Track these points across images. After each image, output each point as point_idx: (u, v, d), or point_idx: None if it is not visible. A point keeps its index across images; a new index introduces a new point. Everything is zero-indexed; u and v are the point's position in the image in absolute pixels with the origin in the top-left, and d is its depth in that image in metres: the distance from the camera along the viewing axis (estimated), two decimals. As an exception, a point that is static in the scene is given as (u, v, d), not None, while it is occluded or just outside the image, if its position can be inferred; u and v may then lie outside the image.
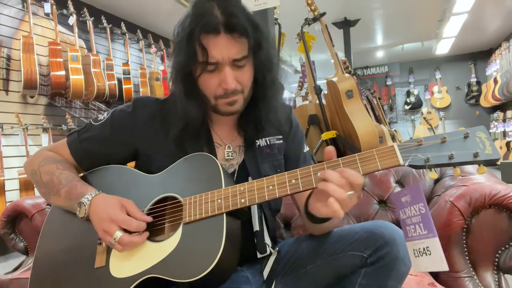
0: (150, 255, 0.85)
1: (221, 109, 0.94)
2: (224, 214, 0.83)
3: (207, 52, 0.86)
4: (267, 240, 0.95)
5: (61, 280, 0.92)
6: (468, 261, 1.17)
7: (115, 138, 1.00)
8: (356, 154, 0.79)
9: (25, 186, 3.42)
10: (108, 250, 0.90)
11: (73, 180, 0.94)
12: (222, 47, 0.87)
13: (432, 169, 0.77)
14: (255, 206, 0.94)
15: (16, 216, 1.56)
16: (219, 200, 0.84)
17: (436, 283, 1.13)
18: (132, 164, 1.06)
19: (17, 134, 3.55)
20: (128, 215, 0.86)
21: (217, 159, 0.94)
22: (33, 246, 1.56)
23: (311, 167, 0.81)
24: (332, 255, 0.91)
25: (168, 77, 1.00)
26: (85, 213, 0.89)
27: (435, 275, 1.22)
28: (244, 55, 0.90)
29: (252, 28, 0.89)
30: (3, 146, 3.35)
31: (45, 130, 3.76)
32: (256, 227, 0.94)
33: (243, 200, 0.82)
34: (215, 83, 0.90)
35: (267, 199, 0.83)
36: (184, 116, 0.94)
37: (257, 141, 1.03)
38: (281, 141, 1.07)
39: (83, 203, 0.89)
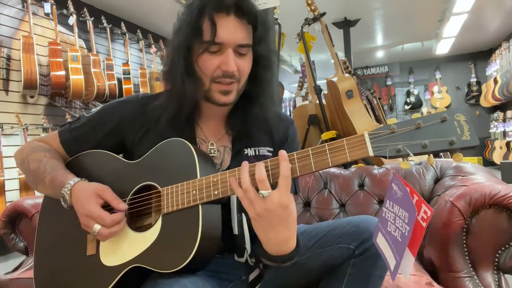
0: (135, 244, 0.88)
1: (214, 96, 0.93)
2: (200, 205, 0.84)
3: (215, 31, 0.86)
4: (247, 246, 0.94)
5: (59, 267, 0.97)
6: (468, 261, 1.17)
7: (103, 127, 1.01)
8: (326, 143, 0.77)
9: (25, 186, 3.42)
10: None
11: (56, 168, 0.96)
12: (230, 29, 0.88)
13: (404, 158, 0.73)
14: (235, 209, 0.94)
15: (16, 216, 1.56)
16: (194, 191, 0.85)
17: (434, 283, 1.13)
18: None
19: (17, 134, 3.56)
20: (105, 203, 0.89)
21: None
22: (33, 246, 1.56)
23: (278, 158, 0.78)
24: (321, 248, 0.95)
25: (162, 67, 0.99)
26: (67, 204, 0.91)
27: (434, 275, 1.22)
28: (248, 42, 0.91)
29: (260, 18, 0.91)
30: (3, 146, 3.36)
31: (45, 130, 3.76)
32: (235, 230, 0.94)
33: (216, 192, 0.83)
34: (215, 64, 0.90)
35: None
36: (178, 98, 0.93)
37: (245, 149, 1.01)
38: (271, 154, 1.03)
39: (63, 194, 0.91)
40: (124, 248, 0.89)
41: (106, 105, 1.05)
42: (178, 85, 0.92)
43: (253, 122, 0.99)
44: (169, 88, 0.97)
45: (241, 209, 0.93)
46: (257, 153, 1.01)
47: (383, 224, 0.79)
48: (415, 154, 0.71)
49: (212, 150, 1.00)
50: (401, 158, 0.74)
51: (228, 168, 1.00)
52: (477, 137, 0.70)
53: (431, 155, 0.73)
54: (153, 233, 0.87)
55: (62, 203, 0.92)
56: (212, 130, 1.03)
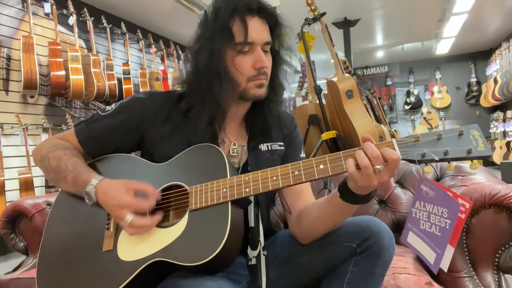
0: (157, 239, 0.88)
1: (250, 92, 0.97)
2: (229, 202, 0.86)
3: (247, 32, 0.91)
4: (261, 238, 0.97)
5: (69, 263, 0.95)
6: (468, 261, 1.17)
7: (123, 125, 1.02)
8: (357, 148, 0.81)
9: (25, 186, 3.42)
10: (116, 234, 0.93)
11: (78, 166, 0.97)
12: (258, 29, 0.94)
13: (428, 164, 0.81)
14: (252, 203, 0.97)
15: (16, 216, 1.56)
16: (224, 189, 0.87)
17: (434, 283, 1.13)
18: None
19: (17, 134, 3.55)
20: (138, 194, 0.89)
21: None
22: (33, 246, 1.56)
23: (313, 159, 0.84)
24: (322, 247, 0.97)
25: (186, 70, 1.02)
26: (92, 201, 0.91)
27: (434, 275, 1.22)
28: (271, 40, 0.97)
29: (278, 18, 0.99)
30: (3, 146, 3.34)
31: (45, 130, 3.75)
32: (251, 223, 0.97)
33: (247, 190, 0.86)
34: (249, 64, 0.95)
35: (271, 189, 0.86)
36: (214, 104, 0.96)
37: (259, 145, 1.06)
38: (282, 148, 1.10)
39: (88, 192, 0.91)
40: (145, 243, 0.89)
41: (123, 102, 1.05)
42: (215, 91, 0.95)
43: (270, 118, 1.04)
44: (198, 94, 0.98)
45: (258, 203, 0.97)
46: (269, 148, 1.07)
47: (414, 224, 0.86)
48: (440, 160, 0.79)
49: (235, 150, 1.05)
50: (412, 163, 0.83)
51: (245, 165, 1.04)
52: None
53: (452, 163, 0.82)
54: (178, 228, 0.88)
55: (87, 200, 0.92)
56: (233, 131, 1.07)
